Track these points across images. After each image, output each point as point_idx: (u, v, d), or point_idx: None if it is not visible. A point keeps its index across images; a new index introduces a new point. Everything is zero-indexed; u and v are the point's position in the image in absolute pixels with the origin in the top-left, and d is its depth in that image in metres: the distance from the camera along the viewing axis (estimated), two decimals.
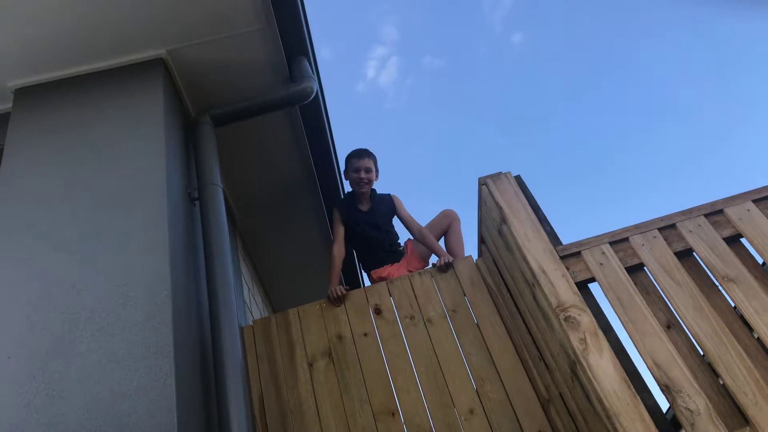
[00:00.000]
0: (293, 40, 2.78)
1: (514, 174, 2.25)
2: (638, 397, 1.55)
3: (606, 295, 1.81)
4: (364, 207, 3.27)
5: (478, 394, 2.24)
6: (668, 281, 1.82)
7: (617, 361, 1.63)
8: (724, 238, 1.89)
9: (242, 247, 3.58)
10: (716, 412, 1.51)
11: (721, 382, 1.63)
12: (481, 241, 2.61)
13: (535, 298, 1.93)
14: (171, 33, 2.51)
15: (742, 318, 1.75)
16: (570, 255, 1.93)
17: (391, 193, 3.36)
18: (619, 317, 1.76)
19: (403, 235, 3.35)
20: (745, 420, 1.53)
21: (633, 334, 1.71)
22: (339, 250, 3.09)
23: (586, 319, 1.73)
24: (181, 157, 2.47)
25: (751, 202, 1.95)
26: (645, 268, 1.89)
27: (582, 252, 1.92)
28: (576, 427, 1.94)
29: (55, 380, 1.69)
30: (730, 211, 1.94)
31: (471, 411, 2.19)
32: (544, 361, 2.09)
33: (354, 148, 3.32)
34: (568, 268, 1.88)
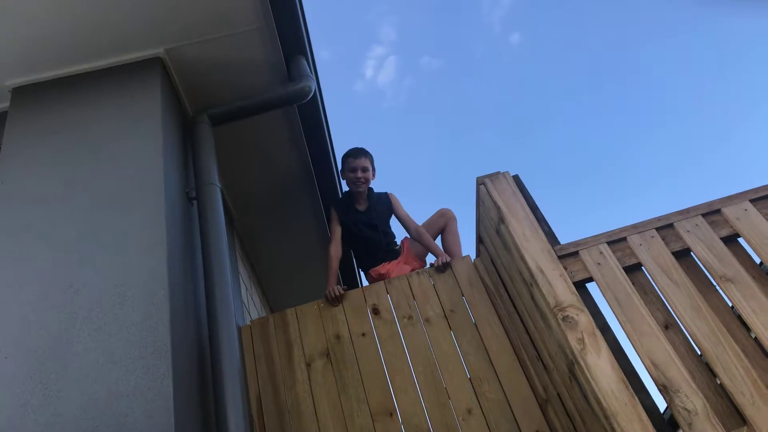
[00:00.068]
0: (291, 40, 2.78)
1: (513, 174, 2.25)
2: (636, 397, 1.56)
3: (604, 295, 1.81)
4: (362, 206, 3.27)
5: (476, 394, 2.24)
6: (666, 281, 1.82)
7: (615, 361, 1.64)
8: (721, 238, 1.89)
9: (240, 246, 3.58)
10: (714, 412, 1.51)
11: (719, 382, 1.64)
12: (479, 240, 2.61)
13: (533, 297, 1.93)
14: (169, 32, 2.51)
15: (739, 318, 1.75)
16: (568, 255, 1.93)
17: (388, 192, 3.36)
18: (616, 317, 1.76)
19: (399, 234, 3.35)
20: (743, 420, 1.54)
21: (631, 334, 1.71)
22: (336, 249, 3.09)
23: (584, 319, 1.73)
24: (178, 156, 2.46)
25: (748, 201, 1.95)
26: (643, 267, 1.89)
27: (580, 252, 1.93)
28: (574, 427, 1.94)
29: (52, 380, 1.69)
30: (728, 211, 1.94)
31: (469, 411, 2.19)
32: (542, 361, 2.10)
33: (350, 147, 3.33)
34: (566, 268, 1.88)
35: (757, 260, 1.87)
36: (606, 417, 1.54)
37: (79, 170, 2.21)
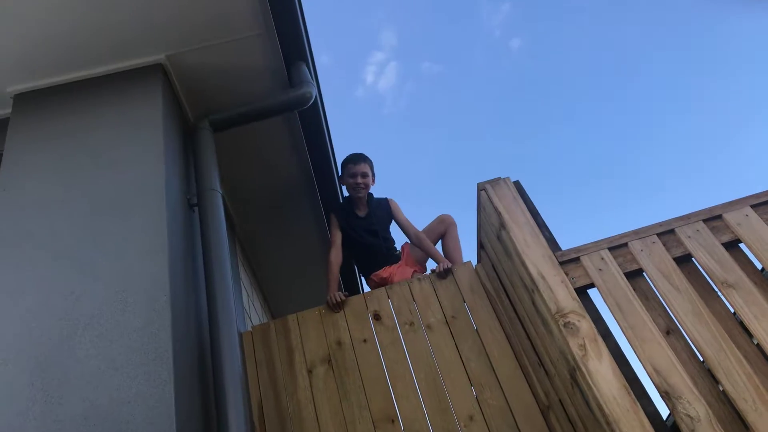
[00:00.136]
0: (292, 46, 2.79)
1: (513, 179, 2.25)
2: (638, 404, 1.55)
3: (605, 301, 1.81)
4: (362, 212, 3.28)
5: (477, 400, 2.24)
6: (667, 287, 1.82)
7: (617, 367, 1.63)
8: (722, 244, 1.89)
9: (241, 252, 3.58)
10: (716, 419, 1.51)
11: (721, 389, 1.63)
12: (480, 246, 2.61)
13: (534, 303, 1.93)
14: (170, 38, 2.52)
15: (741, 324, 1.75)
16: (569, 261, 1.93)
17: (388, 197, 3.36)
18: (618, 323, 1.76)
19: (399, 239, 3.35)
20: (745, 426, 1.53)
21: (632, 340, 1.71)
22: (336, 255, 3.09)
23: (586, 325, 1.73)
24: (180, 162, 2.47)
25: (749, 207, 1.95)
26: (644, 273, 1.89)
27: (581, 258, 1.93)
28: None
29: (54, 387, 1.68)
30: (729, 217, 1.94)
31: (470, 417, 2.19)
32: (543, 367, 2.09)
33: (350, 153, 3.33)
34: (567, 274, 1.88)
35: (759, 266, 1.87)
36: (608, 423, 1.54)
37: (80, 176, 2.21)
